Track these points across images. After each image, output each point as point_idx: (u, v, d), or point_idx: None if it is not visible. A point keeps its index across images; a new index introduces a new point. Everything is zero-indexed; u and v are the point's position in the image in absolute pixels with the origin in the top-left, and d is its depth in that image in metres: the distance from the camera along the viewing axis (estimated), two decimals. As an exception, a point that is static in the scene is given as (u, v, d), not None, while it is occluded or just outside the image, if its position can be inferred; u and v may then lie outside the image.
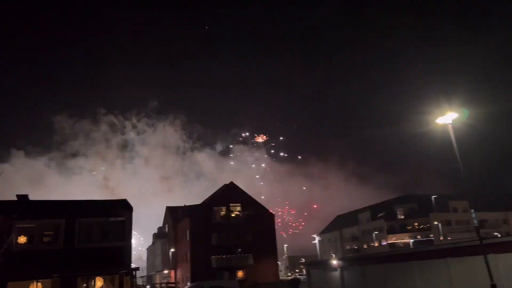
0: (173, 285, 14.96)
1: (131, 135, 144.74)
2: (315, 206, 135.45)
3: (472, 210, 16.77)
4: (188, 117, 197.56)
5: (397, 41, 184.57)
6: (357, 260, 33.99)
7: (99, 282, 27.06)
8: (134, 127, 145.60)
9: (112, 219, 26.39)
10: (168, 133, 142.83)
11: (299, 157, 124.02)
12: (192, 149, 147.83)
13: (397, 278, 27.48)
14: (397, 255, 31.26)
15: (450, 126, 16.44)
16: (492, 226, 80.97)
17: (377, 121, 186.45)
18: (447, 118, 16.52)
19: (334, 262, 35.56)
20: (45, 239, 25.61)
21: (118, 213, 26.70)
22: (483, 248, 15.91)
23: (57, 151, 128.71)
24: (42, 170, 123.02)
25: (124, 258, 26.10)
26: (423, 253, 26.69)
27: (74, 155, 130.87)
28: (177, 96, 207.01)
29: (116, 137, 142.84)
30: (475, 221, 17.00)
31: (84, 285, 25.28)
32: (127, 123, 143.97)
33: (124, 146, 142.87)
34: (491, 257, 19.22)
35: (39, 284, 23.54)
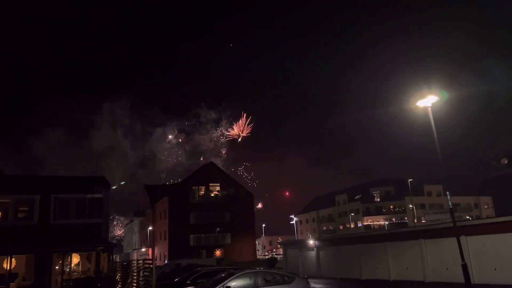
0: (150, 261, 15.00)
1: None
2: (287, 193, 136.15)
3: (448, 193, 17.14)
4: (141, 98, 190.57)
5: (372, 24, 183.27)
6: (333, 240, 34.62)
7: (75, 258, 26.87)
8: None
9: (89, 195, 26.03)
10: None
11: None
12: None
13: (371, 258, 28.21)
14: (371, 236, 31.98)
15: (429, 109, 16.47)
16: (464, 210, 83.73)
17: (351, 106, 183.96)
18: (427, 101, 16.35)
19: (311, 242, 36.11)
20: (19, 215, 25.12)
21: (95, 189, 26.35)
22: (456, 230, 16.35)
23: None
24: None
25: (101, 235, 25.91)
26: (397, 234, 27.38)
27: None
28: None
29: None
30: (450, 204, 17.39)
31: (60, 261, 25.07)
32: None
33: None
34: (462, 239, 19.88)
35: (13, 259, 23.17)
